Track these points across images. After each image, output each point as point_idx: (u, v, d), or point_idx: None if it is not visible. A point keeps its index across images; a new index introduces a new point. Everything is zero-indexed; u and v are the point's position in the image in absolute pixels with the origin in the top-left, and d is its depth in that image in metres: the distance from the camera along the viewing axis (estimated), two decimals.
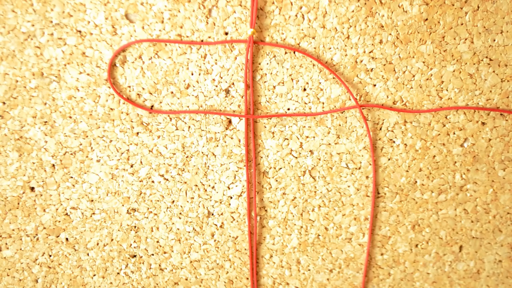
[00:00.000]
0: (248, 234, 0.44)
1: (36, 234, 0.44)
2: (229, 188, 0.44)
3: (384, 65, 0.41)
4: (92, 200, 0.43)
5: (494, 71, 0.41)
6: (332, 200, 0.44)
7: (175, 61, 0.40)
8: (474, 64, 0.41)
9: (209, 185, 0.43)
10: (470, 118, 0.43)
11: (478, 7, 0.40)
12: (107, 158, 0.42)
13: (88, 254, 0.45)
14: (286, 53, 0.40)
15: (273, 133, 0.42)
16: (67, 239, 0.44)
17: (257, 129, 0.42)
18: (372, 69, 0.41)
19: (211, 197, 0.44)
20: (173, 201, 0.44)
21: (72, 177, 0.42)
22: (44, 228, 0.44)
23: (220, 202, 0.44)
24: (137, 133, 0.42)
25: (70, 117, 0.41)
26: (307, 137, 0.43)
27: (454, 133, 0.43)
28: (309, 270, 0.47)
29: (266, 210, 0.44)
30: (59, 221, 0.44)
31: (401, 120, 0.42)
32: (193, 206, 0.44)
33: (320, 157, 0.43)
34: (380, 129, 0.43)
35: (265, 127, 0.42)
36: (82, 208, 0.43)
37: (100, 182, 0.43)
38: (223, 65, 0.40)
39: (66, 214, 0.43)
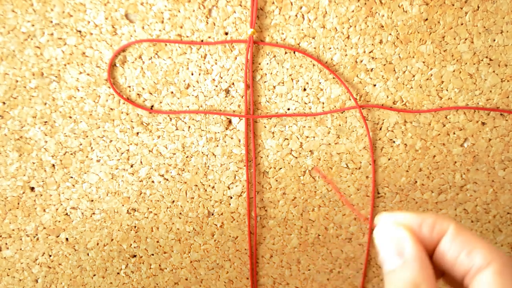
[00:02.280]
0: (248, 234, 0.44)
1: (36, 234, 0.44)
2: (229, 188, 0.44)
3: (384, 65, 0.41)
4: (92, 200, 0.43)
5: (494, 71, 0.41)
6: (332, 200, 0.44)
7: (175, 61, 0.40)
8: (474, 64, 0.41)
9: (209, 185, 0.43)
10: (470, 118, 0.43)
11: (478, 7, 0.40)
12: (107, 158, 0.42)
13: (88, 254, 0.45)
14: (286, 53, 0.40)
15: (273, 133, 0.42)
16: (67, 239, 0.44)
17: (257, 129, 0.42)
18: (372, 69, 0.41)
19: (211, 197, 0.44)
20: (173, 201, 0.44)
21: (72, 177, 0.42)
22: (44, 228, 0.44)
23: (220, 202, 0.44)
24: (137, 133, 0.42)
25: (70, 117, 0.41)
26: (307, 137, 0.43)
27: (454, 133, 0.43)
28: (309, 270, 0.47)
29: (266, 210, 0.44)
30: (59, 221, 0.43)
31: (401, 120, 0.42)
32: (193, 206, 0.44)
33: (320, 157, 0.43)
34: (380, 129, 0.43)
35: (265, 127, 0.42)
36: (82, 208, 0.43)
37: (100, 182, 0.43)
38: (223, 65, 0.40)
39: (66, 214, 0.43)
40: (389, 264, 0.34)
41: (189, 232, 0.45)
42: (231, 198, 0.44)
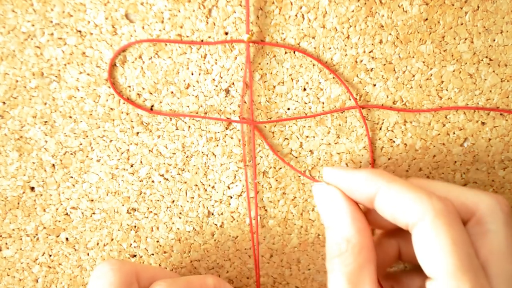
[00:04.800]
0: (250, 232, 0.44)
1: (36, 234, 0.44)
2: (229, 188, 0.44)
3: (384, 65, 0.41)
4: (92, 200, 0.43)
5: (494, 71, 0.41)
6: None
7: (175, 61, 0.40)
8: (474, 64, 0.41)
9: (209, 185, 0.43)
10: (470, 118, 0.43)
11: (478, 7, 0.40)
12: (107, 158, 0.42)
13: (88, 254, 0.45)
14: (286, 53, 0.40)
15: (273, 132, 0.43)
16: (67, 238, 0.44)
17: (257, 128, 0.42)
18: (372, 69, 0.41)
19: (211, 196, 0.44)
20: (173, 201, 0.44)
21: (72, 177, 0.42)
22: (44, 228, 0.44)
23: (220, 202, 0.44)
24: (137, 133, 0.42)
25: (70, 117, 0.41)
26: (307, 137, 0.43)
27: (454, 133, 0.43)
28: (309, 269, 0.47)
29: (266, 210, 0.44)
30: (59, 221, 0.44)
31: (401, 120, 0.42)
32: (193, 206, 0.44)
33: (320, 156, 0.43)
34: (380, 129, 0.43)
35: (265, 126, 0.42)
36: (82, 208, 0.43)
37: (100, 182, 0.43)
38: (223, 65, 0.40)
39: (66, 214, 0.43)
40: (326, 222, 0.35)
41: (189, 232, 0.45)
42: (231, 198, 0.44)
